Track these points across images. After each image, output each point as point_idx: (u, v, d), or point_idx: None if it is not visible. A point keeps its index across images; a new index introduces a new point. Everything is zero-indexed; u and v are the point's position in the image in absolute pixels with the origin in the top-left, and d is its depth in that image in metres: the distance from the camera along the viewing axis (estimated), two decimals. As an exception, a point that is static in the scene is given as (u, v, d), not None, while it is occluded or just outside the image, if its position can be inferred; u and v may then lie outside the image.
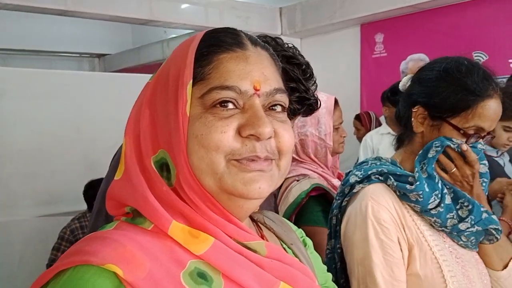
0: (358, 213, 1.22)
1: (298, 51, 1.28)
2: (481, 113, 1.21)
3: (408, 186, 1.19)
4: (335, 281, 1.26)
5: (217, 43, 0.70)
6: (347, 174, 1.34)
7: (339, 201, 1.33)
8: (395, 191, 1.24)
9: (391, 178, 1.24)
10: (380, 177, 1.26)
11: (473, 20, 3.51)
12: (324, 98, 2.01)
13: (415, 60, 3.27)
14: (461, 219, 1.19)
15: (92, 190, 2.92)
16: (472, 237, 1.22)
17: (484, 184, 1.28)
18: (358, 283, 1.20)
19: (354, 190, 1.28)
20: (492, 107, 1.22)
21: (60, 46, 6.69)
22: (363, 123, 3.81)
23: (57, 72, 4.30)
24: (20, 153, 3.42)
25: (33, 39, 6.27)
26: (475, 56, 3.36)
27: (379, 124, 3.68)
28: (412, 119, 1.28)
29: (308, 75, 1.21)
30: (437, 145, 1.22)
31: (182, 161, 0.67)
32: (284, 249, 0.84)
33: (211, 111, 0.67)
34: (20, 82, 3.49)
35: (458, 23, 3.59)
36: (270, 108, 0.71)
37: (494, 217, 1.21)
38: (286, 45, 1.25)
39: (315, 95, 1.21)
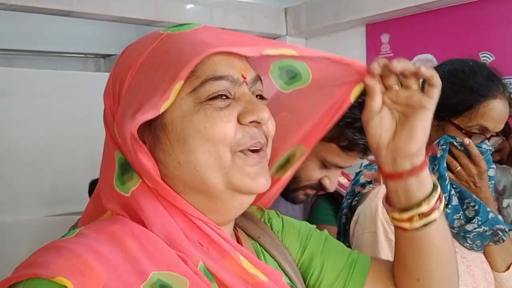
0: (368, 213, 1.23)
1: None
2: (483, 113, 1.22)
3: None
4: None
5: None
6: (357, 173, 1.35)
7: (349, 201, 1.34)
8: None
9: None
10: None
11: (480, 21, 3.49)
12: None
13: (422, 61, 3.26)
14: (468, 220, 1.19)
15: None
16: (478, 241, 1.22)
17: (491, 186, 1.28)
18: None
19: (365, 190, 1.29)
20: (496, 107, 1.22)
21: (65, 46, 6.70)
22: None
23: (62, 73, 4.32)
24: (25, 153, 3.43)
25: (38, 39, 6.28)
26: (482, 56, 3.35)
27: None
28: None
29: None
30: (441, 143, 1.23)
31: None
32: (252, 243, 0.83)
33: (207, 103, 0.65)
34: (25, 82, 3.50)
35: (464, 23, 3.57)
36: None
37: (500, 217, 1.21)
38: None
39: None
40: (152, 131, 0.67)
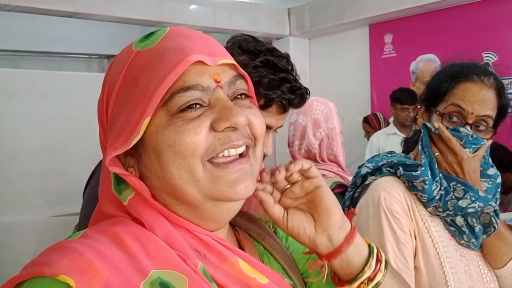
0: (371, 204, 1.24)
1: None
2: (456, 93, 1.24)
3: (413, 173, 1.21)
4: None
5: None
6: (359, 166, 1.36)
7: (351, 193, 1.36)
8: (404, 183, 1.26)
9: (400, 168, 1.26)
10: (391, 170, 1.28)
11: (483, 20, 3.50)
12: (330, 104, 2.04)
13: (425, 61, 3.27)
14: (459, 199, 1.21)
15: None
16: (473, 239, 1.23)
17: (490, 182, 1.28)
18: None
19: (366, 182, 1.31)
20: (470, 87, 1.24)
21: (70, 47, 6.73)
22: (372, 125, 3.81)
23: (67, 73, 4.34)
24: (30, 153, 3.45)
25: (43, 40, 6.31)
26: (485, 56, 3.35)
27: (387, 124, 3.68)
28: (417, 116, 1.32)
29: (291, 66, 1.23)
30: (422, 131, 1.26)
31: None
32: (256, 246, 0.83)
33: (178, 115, 0.64)
34: (30, 83, 3.52)
35: (468, 23, 3.57)
36: (235, 97, 0.69)
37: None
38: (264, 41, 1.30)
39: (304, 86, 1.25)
40: (135, 146, 0.67)
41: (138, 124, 0.64)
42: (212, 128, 0.64)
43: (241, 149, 0.67)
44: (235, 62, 0.70)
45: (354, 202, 1.34)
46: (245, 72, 0.72)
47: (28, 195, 3.47)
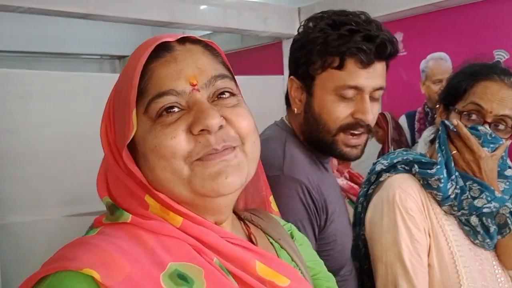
0: (385, 201, 1.25)
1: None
2: (475, 91, 1.24)
3: (429, 171, 1.21)
4: (359, 266, 1.27)
5: (145, 54, 0.69)
6: (374, 163, 1.37)
7: (365, 189, 1.37)
8: (419, 180, 1.26)
9: (416, 166, 1.26)
10: (405, 167, 1.28)
11: (494, 18, 3.46)
12: None
13: (436, 59, 3.24)
14: (474, 198, 1.20)
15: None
16: (487, 239, 1.22)
17: (507, 183, 1.27)
18: (386, 268, 1.21)
19: (381, 179, 1.31)
20: (489, 86, 1.24)
21: (82, 48, 6.78)
22: (380, 125, 3.79)
23: (79, 74, 4.36)
24: (44, 154, 3.48)
25: (56, 42, 6.37)
26: (496, 54, 3.32)
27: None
28: (436, 116, 1.33)
29: (369, 21, 1.20)
30: (440, 129, 1.26)
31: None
32: (272, 243, 0.85)
33: (158, 121, 0.67)
34: (44, 84, 3.55)
35: (478, 21, 3.54)
36: (218, 97, 0.70)
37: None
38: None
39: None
40: (134, 154, 0.71)
41: (129, 120, 0.67)
42: (190, 131, 0.66)
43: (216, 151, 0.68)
44: (221, 73, 0.71)
45: (368, 199, 1.35)
46: (228, 72, 0.73)
47: (41, 195, 3.50)
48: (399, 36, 4.06)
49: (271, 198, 1.00)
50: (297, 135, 1.30)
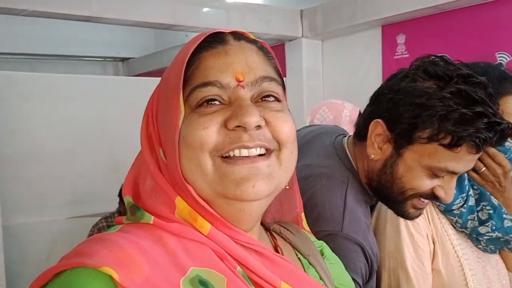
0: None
1: (472, 68, 1.08)
2: (503, 110, 1.22)
3: None
4: None
5: (197, 42, 0.67)
6: None
7: None
8: None
9: None
10: None
11: (496, 21, 3.46)
12: (350, 107, 2.01)
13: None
14: (481, 222, 1.20)
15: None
16: (491, 245, 1.22)
17: None
18: (389, 275, 1.21)
19: None
20: (510, 101, 1.22)
21: (85, 50, 6.81)
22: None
23: (82, 77, 4.39)
24: (47, 155, 3.50)
25: (58, 44, 6.39)
26: (499, 56, 3.32)
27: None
28: None
29: (489, 96, 1.02)
30: None
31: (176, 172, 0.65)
32: (300, 259, 0.81)
33: (196, 110, 0.65)
34: (47, 86, 3.57)
35: (480, 23, 3.54)
36: (262, 99, 0.67)
37: None
38: (456, 64, 1.08)
39: (505, 119, 1.03)
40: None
41: (177, 120, 0.66)
42: (225, 126, 0.64)
43: (255, 151, 0.64)
44: (269, 75, 0.69)
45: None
46: (277, 77, 0.71)
47: (44, 197, 3.52)
48: (401, 38, 4.07)
49: (303, 215, 0.94)
50: (360, 177, 1.21)
